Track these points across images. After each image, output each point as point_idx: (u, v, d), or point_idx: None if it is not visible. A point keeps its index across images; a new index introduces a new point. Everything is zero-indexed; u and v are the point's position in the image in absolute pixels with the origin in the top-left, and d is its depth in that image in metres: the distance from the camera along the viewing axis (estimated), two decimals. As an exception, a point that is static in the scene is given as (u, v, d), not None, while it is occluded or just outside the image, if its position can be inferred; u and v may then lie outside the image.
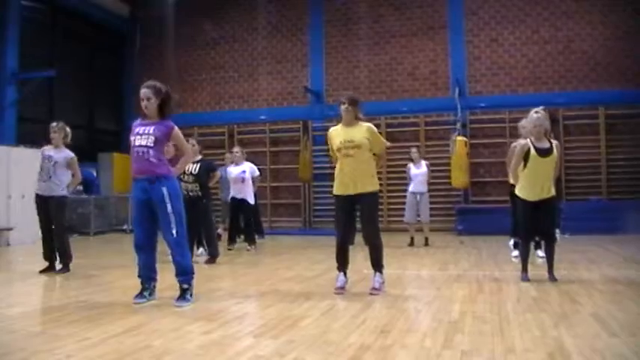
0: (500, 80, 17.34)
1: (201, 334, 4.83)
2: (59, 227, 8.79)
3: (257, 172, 12.89)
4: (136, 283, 6.52)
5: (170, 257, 6.41)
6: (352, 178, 6.76)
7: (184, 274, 6.35)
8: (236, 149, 12.78)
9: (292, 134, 18.59)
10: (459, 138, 16.01)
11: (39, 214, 8.87)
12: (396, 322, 5.16)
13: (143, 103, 6.47)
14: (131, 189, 6.76)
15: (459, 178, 15.93)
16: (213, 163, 10.89)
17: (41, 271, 8.64)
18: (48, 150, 8.99)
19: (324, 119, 18.61)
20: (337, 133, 6.99)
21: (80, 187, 17.93)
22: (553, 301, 6.19)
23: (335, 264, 6.96)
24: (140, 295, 6.35)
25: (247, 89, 19.70)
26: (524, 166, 7.62)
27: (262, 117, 19.21)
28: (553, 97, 16.48)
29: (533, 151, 7.55)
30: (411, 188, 12.84)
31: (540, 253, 9.38)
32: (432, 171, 13.78)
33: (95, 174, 18.57)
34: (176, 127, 6.50)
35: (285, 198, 18.73)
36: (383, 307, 5.93)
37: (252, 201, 12.40)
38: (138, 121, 6.60)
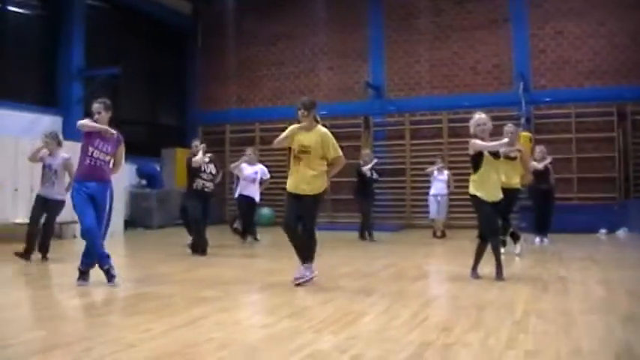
0: (565, 74, 16.93)
1: (261, 328, 4.84)
2: (50, 225, 9.82)
3: (267, 175, 13.46)
4: (194, 276, 6.61)
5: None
6: (300, 180, 7.15)
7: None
8: (249, 151, 13.40)
9: (353, 129, 18.52)
10: (524, 133, 15.66)
11: (34, 209, 9.79)
12: (458, 320, 5.09)
13: None
14: None
15: (524, 175, 15.62)
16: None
17: (16, 253, 9.47)
18: (46, 159, 9.81)
19: (384, 114, 18.54)
20: (299, 134, 7.27)
21: (144, 182, 18.32)
22: (620, 301, 6.02)
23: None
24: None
25: (307, 84, 19.72)
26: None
27: (323, 112, 18.93)
28: (621, 91, 16.02)
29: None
30: (432, 192, 14.53)
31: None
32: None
33: (158, 169, 18.89)
34: None
35: (345, 194, 18.69)
36: (444, 304, 5.87)
37: (257, 200, 13.11)
38: None
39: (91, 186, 7.08)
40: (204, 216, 10.68)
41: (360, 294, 6.40)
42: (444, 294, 6.49)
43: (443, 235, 14.31)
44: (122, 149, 7.45)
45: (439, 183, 14.44)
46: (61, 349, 4.18)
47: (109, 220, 7.26)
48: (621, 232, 14.48)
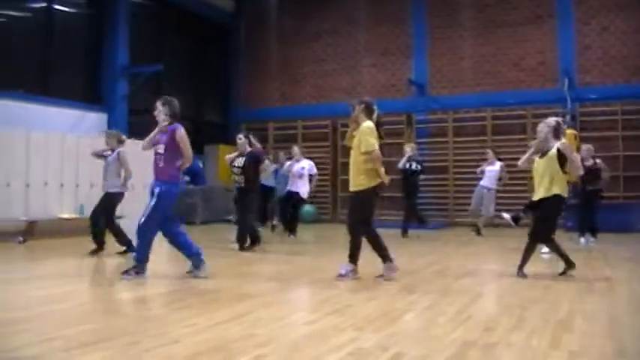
0: (612, 70, 16.64)
1: (304, 324, 4.87)
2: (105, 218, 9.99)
3: (315, 170, 13.64)
4: (239, 272, 6.68)
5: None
6: (350, 177, 7.38)
7: None
8: (296, 148, 13.78)
9: (395, 127, 18.41)
10: (569, 131, 15.37)
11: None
12: (502, 319, 5.05)
13: None
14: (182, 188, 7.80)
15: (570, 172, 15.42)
16: (260, 155, 11.15)
17: (90, 253, 9.77)
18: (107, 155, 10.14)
19: (427, 111, 18.44)
20: (352, 132, 7.54)
21: (187, 178, 18.49)
22: (668, 302, 5.92)
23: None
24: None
25: (350, 82, 19.71)
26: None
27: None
28: (669, 88, 15.73)
29: None
30: (481, 182, 14.21)
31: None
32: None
33: (202, 165, 19.06)
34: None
35: (389, 191, 18.65)
36: (488, 303, 5.83)
37: (304, 195, 13.24)
38: None
39: (152, 183, 7.34)
40: (242, 211, 10.61)
41: (403, 292, 6.38)
42: (488, 292, 6.45)
43: (477, 233, 13.94)
44: (180, 137, 7.41)
45: (487, 175, 14.09)
46: (107, 343, 4.26)
47: (151, 218, 7.17)
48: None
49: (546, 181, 7.41)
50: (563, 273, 7.50)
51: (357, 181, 7.18)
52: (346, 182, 18.98)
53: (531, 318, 5.15)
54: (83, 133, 15.05)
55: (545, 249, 9.74)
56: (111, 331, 4.64)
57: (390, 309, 5.52)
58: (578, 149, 13.49)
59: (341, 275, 7.22)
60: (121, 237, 9.79)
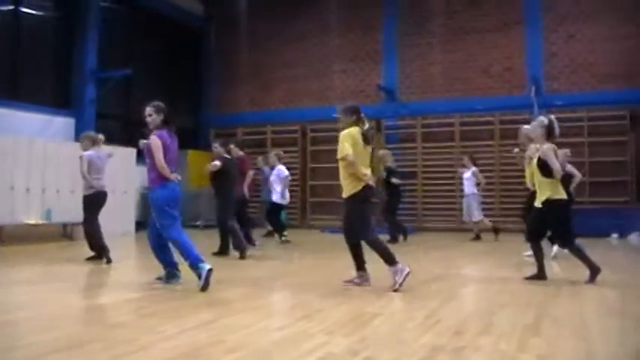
0: (578, 77, 16.88)
1: (273, 330, 4.85)
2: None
3: (284, 173, 13.69)
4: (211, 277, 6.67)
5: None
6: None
7: None
8: (271, 154, 14.12)
9: (364, 132, 18.46)
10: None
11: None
12: (471, 324, 5.08)
13: None
14: (173, 188, 7.28)
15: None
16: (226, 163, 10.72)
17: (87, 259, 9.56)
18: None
19: (397, 117, 18.54)
20: None
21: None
22: (634, 305, 6.00)
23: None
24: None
25: (320, 87, 19.76)
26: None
27: (335, 115, 19.11)
28: (634, 95, 15.96)
29: None
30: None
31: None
32: (506, 170, 15.37)
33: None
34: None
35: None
36: (457, 307, 5.87)
37: (277, 200, 13.58)
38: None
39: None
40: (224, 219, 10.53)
41: (372, 296, 6.40)
42: (457, 297, 6.49)
43: (476, 238, 14.11)
44: (153, 147, 7.13)
45: (464, 182, 14.40)
46: (77, 350, 4.21)
47: (159, 224, 7.04)
48: (633, 237, 14.40)
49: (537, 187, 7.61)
50: (530, 277, 7.58)
51: (344, 187, 7.14)
52: (315, 187, 19.08)
53: (500, 322, 5.19)
54: (50, 137, 14.91)
55: (528, 252, 9.92)
56: (80, 337, 4.59)
57: (359, 313, 5.52)
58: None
59: (351, 282, 7.20)
60: (92, 241, 9.65)
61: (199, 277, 6.69)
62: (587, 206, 15.72)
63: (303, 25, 20.08)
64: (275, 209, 13.68)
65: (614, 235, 14.65)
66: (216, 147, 10.76)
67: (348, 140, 7.03)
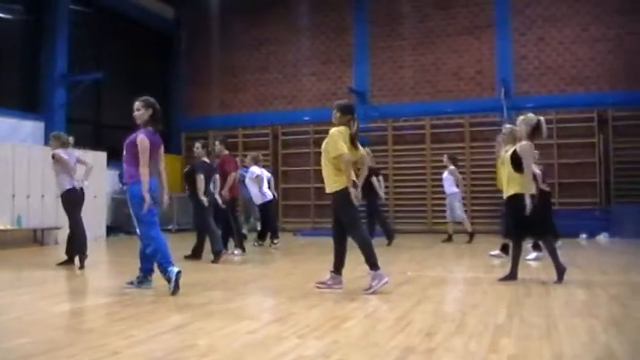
0: (547, 80, 17.09)
1: (245, 334, 4.84)
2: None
3: (254, 174, 13.32)
4: (180, 281, 6.63)
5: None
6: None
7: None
8: (248, 156, 13.98)
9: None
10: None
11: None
12: (442, 325, 5.11)
13: None
14: (153, 187, 7.16)
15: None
16: (197, 165, 10.67)
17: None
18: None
19: (368, 120, 18.58)
20: None
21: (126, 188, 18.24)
22: (602, 305, 6.08)
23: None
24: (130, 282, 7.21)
25: (291, 90, 19.77)
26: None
27: (306, 118, 19.25)
28: (603, 97, 16.22)
29: None
30: None
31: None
32: (477, 172, 15.57)
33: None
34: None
35: (328, 198, 18.70)
36: (428, 309, 5.89)
37: (257, 201, 13.26)
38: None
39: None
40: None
41: (344, 299, 6.41)
42: (428, 298, 6.52)
43: (447, 239, 14.07)
44: (140, 147, 7.02)
45: (444, 182, 14.15)
46: (46, 355, 4.17)
47: (136, 224, 7.04)
48: (602, 237, 14.61)
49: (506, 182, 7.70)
50: (503, 279, 7.64)
51: (331, 181, 7.04)
52: (287, 190, 19.03)
53: (471, 323, 5.22)
54: (19, 141, 14.73)
55: (495, 251, 10.13)
56: (49, 343, 4.54)
57: (331, 316, 5.53)
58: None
59: (324, 284, 7.16)
60: (69, 245, 9.57)
61: (168, 281, 6.66)
62: (557, 207, 15.89)
63: (273, 28, 20.07)
64: (261, 210, 13.53)
65: (583, 236, 14.83)
66: (198, 148, 10.68)
67: (341, 138, 6.96)
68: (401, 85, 18.50)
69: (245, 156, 14.87)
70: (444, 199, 15.19)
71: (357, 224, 7.10)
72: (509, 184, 7.65)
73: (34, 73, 16.50)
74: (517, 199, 7.49)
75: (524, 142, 7.56)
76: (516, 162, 7.53)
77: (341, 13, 19.34)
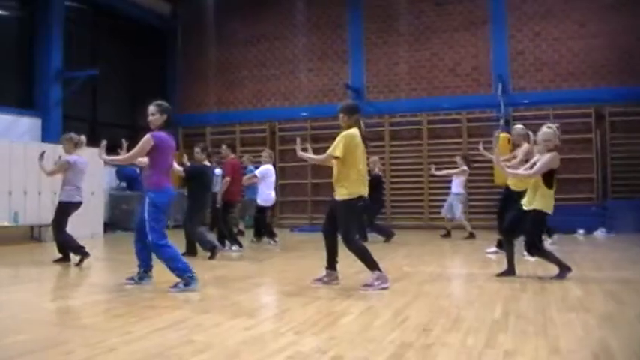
0: (544, 76, 17.09)
1: (242, 330, 4.85)
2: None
3: (253, 173, 13.46)
4: (175, 278, 6.65)
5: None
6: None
7: None
8: (245, 156, 14.14)
9: (333, 131, 18.39)
10: (502, 135, 15.79)
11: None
12: (438, 320, 5.12)
13: None
14: (171, 195, 7.24)
15: (502, 176, 15.72)
16: (190, 167, 10.76)
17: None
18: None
19: (365, 116, 18.55)
20: None
21: (123, 184, 18.24)
22: (597, 301, 6.09)
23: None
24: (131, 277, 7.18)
25: (288, 86, 19.75)
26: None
27: (303, 114, 19.25)
28: (599, 93, 16.22)
29: None
30: None
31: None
32: (473, 168, 15.03)
33: (138, 171, 18.78)
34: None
35: (324, 195, 18.73)
36: (425, 305, 5.90)
37: (259, 203, 13.24)
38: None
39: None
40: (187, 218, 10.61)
41: (340, 295, 6.41)
42: (424, 294, 6.53)
43: (446, 235, 14.20)
44: (141, 142, 7.08)
45: (453, 181, 14.23)
46: (43, 352, 4.18)
47: (150, 226, 6.79)
48: (598, 233, 14.63)
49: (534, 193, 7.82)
50: (501, 274, 7.67)
51: (340, 187, 7.01)
52: (284, 187, 19.05)
53: (467, 318, 5.24)
54: (16, 138, 14.70)
55: (491, 248, 10.17)
56: (47, 340, 4.54)
57: (327, 312, 5.54)
58: (512, 152, 13.81)
59: (320, 281, 7.17)
60: (61, 249, 9.47)
61: (187, 284, 6.68)
62: (553, 203, 15.91)
63: (269, 24, 20.05)
64: (259, 211, 13.43)
65: (580, 232, 14.83)
66: (197, 152, 10.76)
67: (346, 141, 6.98)
68: (397, 81, 18.49)
69: (242, 155, 14.87)
70: (441, 194, 15.22)
71: (352, 235, 7.03)
72: (536, 197, 7.66)
73: (30, 70, 16.46)
74: (536, 214, 7.56)
75: (552, 154, 7.59)
76: (549, 178, 7.57)
77: (337, 9, 19.31)
